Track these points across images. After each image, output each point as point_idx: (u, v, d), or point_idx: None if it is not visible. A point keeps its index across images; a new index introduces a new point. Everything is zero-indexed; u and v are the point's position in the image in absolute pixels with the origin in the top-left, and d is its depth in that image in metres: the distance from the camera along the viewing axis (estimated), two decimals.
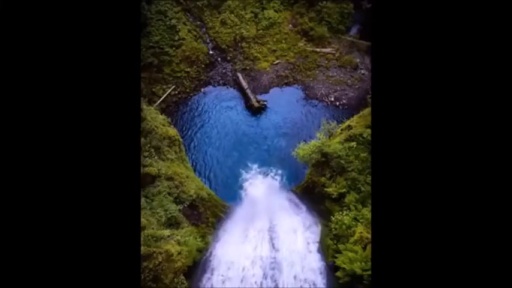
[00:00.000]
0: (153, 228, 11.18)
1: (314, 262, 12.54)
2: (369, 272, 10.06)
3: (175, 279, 10.61)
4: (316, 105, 22.20)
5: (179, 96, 22.83)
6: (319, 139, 15.31)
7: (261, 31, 24.85)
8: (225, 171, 18.91)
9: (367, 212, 12.03)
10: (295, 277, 12.09)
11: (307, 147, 15.21)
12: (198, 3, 25.21)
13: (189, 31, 24.27)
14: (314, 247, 13.11)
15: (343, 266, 10.87)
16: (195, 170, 18.22)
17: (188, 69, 23.47)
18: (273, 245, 13.20)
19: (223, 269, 12.36)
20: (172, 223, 12.42)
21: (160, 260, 10.16)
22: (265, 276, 12.15)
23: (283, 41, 24.65)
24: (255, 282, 12.01)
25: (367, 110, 15.14)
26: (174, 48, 23.15)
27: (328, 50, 24.38)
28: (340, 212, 12.69)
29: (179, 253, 10.91)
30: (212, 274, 12.31)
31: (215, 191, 17.22)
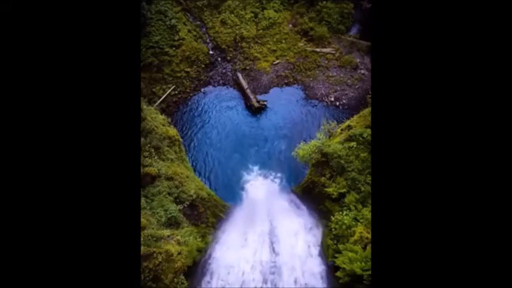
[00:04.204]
0: (153, 228, 11.18)
1: (315, 266, 12.43)
2: (369, 272, 10.06)
3: (175, 279, 10.60)
4: (316, 105, 22.18)
5: (179, 96, 22.83)
6: (319, 139, 15.32)
7: (261, 31, 24.84)
8: (227, 172, 18.87)
9: (367, 212, 12.04)
10: (295, 281, 12.02)
11: (307, 147, 15.21)
12: (198, 3, 25.21)
13: (189, 31, 24.27)
14: (315, 250, 13.01)
15: (343, 266, 10.86)
16: (195, 170, 18.19)
17: (188, 69, 23.47)
18: (273, 248, 13.11)
19: (223, 273, 12.27)
20: (172, 223, 12.41)
21: (160, 260, 10.16)
22: (265, 281, 12.07)
23: (283, 41, 24.64)
24: (255, 287, 11.94)
25: (367, 110, 15.15)
26: (174, 48, 23.15)
27: (328, 50, 24.38)
28: (340, 212, 12.69)
29: (179, 253, 10.91)
30: (212, 278, 12.22)
31: (215, 191, 17.19)
